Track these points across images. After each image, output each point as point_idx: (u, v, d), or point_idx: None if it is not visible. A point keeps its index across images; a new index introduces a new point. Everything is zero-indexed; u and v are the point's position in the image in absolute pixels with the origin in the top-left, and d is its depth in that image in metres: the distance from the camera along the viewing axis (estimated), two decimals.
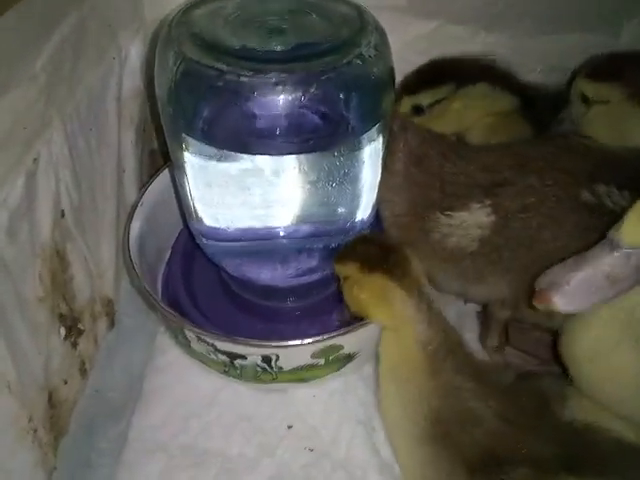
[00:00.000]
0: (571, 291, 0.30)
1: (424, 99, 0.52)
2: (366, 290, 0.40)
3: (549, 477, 0.34)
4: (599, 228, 0.31)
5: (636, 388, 0.34)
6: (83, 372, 0.47)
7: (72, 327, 0.44)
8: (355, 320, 0.42)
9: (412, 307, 0.38)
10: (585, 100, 0.48)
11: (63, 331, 0.43)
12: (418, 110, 0.53)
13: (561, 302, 0.30)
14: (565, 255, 0.32)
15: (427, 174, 0.46)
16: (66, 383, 0.44)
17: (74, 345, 0.45)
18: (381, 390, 0.43)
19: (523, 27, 0.57)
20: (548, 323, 0.44)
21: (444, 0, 0.55)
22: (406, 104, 0.53)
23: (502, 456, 0.34)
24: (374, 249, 0.41)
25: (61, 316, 0.43)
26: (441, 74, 0.53)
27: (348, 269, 0.41)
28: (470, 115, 0.54)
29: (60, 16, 0.42)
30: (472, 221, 0.42)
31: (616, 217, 0.30)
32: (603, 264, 0.29)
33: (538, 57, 0.59)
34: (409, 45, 0.58)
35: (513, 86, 0.54)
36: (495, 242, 0.42)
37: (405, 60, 0.57)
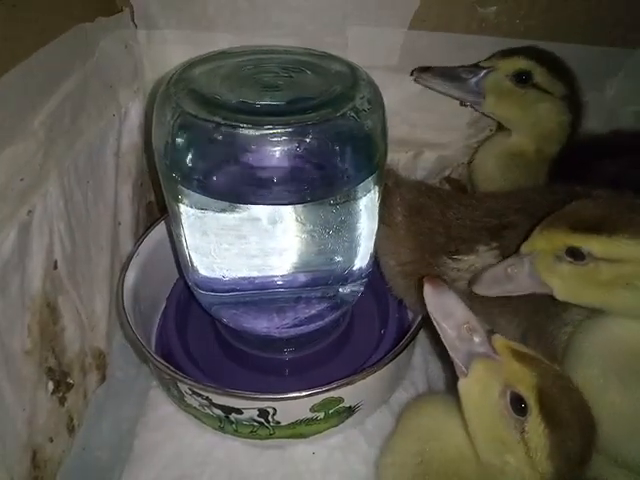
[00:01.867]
0: (484, 281, 0.38)
1: (540, 75, 0.51)
2: None
3: None
4: None
5: (629, 430, 0.34)
6: (71, 429, 0.45)
7: (61, 381, 0.43)
8: None
9: None
10: (524, 79, 0.51)
11: (51, 385, 0.42)
12: (524, 78, 0.51)
13: (477, 288, 0.39)
14: None
15: (430, 221, 0.46)
16: (52, 441, 0.42)
17: (62, 400, 0.44)
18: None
19: None
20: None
21: (433, 59, 0.57)
22: (517, 63, 0.51)
23: None
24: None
25: (49, 370, 0.42)
26: (566, 72, 0.52)
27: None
28: (543, 125, 0.53)
29: (64, 74, 0.44)
30: (480, 264, 0.42)
31: None
32: (506, 263, 0.37)
33: None
34: (403, 101, 0.60)
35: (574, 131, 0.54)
36: None
37: (399, 115, 0.60)
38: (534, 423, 0.31)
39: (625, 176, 0.49)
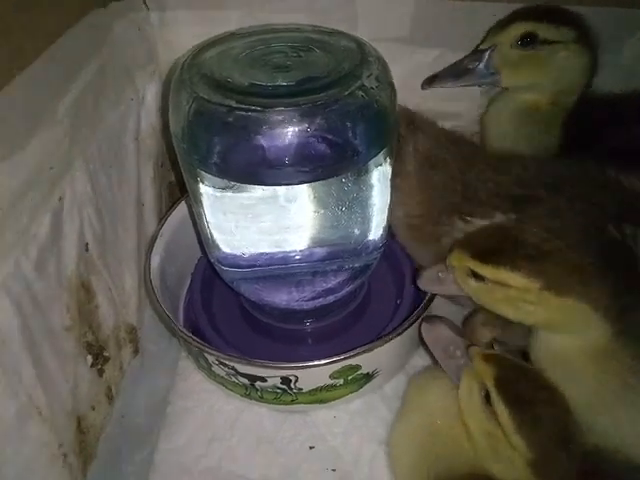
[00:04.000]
0: (423, 278, 0.43)
1: (544, 31, 0.49)
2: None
3: None
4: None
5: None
6: (110, 398, 0.49)
7: (98, 355, 0.46)
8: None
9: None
10: (527, 42, 0.50)
11: (90, 359, 0.45)
12: (527, 40, 0.50)
13: (419, 282, 0.44)
14: None
15: (445, 177, 0.45)
16: (94, 409, 0.46)
17: (100, 372, 0.47)
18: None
19: None
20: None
21: (445, 29, 0.57)
22: (516, 30, 0.50)
23: None
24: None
25: (88, 344, 0.45)
26: (569, 16, 0.51)
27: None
28: (565, 76, 0.52)
29: (82, 63, 0.45)
30: None
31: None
32: (437, 267, 0.42)
33: None
34: (413, 73, 0.59)
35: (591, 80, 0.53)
36: None
37: (409, 88, 0.59)
38: (497, 405, 0.37)
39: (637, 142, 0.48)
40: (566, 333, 0.38)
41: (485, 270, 0.38)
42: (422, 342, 0.44)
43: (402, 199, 0.47)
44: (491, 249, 0.38)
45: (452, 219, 0.44)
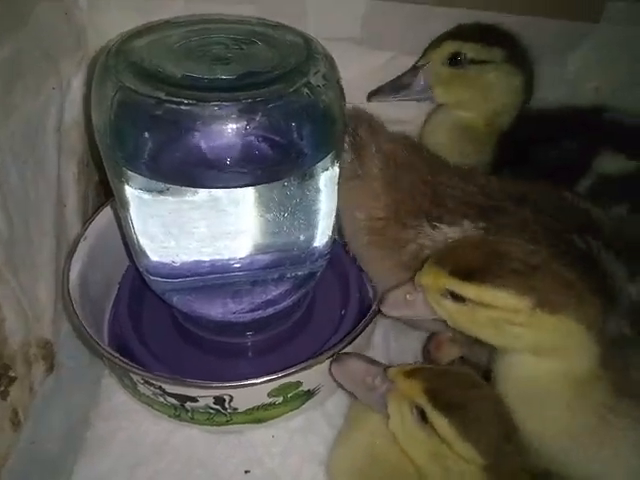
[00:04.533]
0: (388, 302, 0.39)
1: (470, 51, 0.50)
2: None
3: None
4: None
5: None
6: (16, 424, 0.43)
7: (2, 375, 0.41)
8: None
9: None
10: (455, 62, 0.51)
11: None
12: (455, 59, 0.50)
13: (383, 308, 0.40)
14: None
15: (414, 179, 0.44)
16: None
17: (4, 395, 0.41)
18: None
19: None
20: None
21: (396, 32, 0.56)
22: (445, 49, 0.51)
23: None
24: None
25: None
26: (502, 36, 0.51)
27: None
28: (496, 94, 0.52)
29: None
30: (458, 238, 0.41)
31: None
32: (404, 289, 0.38)
33: None
34: (364, 76, 0.58)
35: (528, 99, 0.53)
36: None
37: (361, 90, 0.58)
38: (435, 418, 0.34)
39: (566, 158, 0.49)
40: (551, 357, 0.35)
41: (466, 290, 0.34)
42: (338, 384, 0.41)
43: (364, 202, 0.45)
44: (473, 265, 0.34)
45: (420, 223, 0.42)
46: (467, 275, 0.34)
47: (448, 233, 0.41)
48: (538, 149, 0.52)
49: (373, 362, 0.39)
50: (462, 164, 0.48)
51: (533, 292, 0.32)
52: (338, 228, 0.50)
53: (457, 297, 0.35)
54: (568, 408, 0.34)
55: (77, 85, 0.52)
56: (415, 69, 0.54)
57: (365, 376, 0.38)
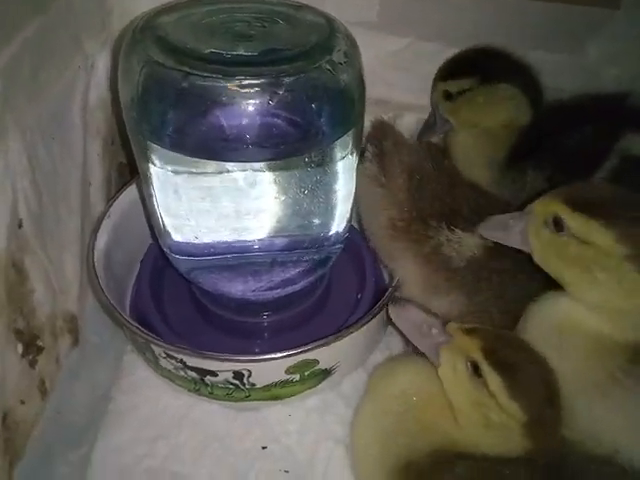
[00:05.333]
0: (489, 222, 0.41)
1: (451, 87, 0.53)
2: None
3: None
4: None
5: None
6: (43, 392, 0.44)
7: (30, 344, 0.42)
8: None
9: None
10: (449, 97, 0.53)
11: (20, 348, 0.41)
12: (448, 96, 0.53)
13: (480, 227, 0.42)
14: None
15: (438, 190, 0.47)
16: (23, 403, 0.41)
17: (32, 363, 0.42)
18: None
19: (493, 44, 0.57)
20: None
21: (414, 17, 0.55)
22: (439, 89, 0.54)
23: None
24: None
25: (18, 332, 0.40)
26: (469, 65, 0.53)
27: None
28: (491, 113, 0.53)
29: (22, 21, 0.41)
30: (471, 243, 0.45)
31: None
32: (511, 215, 0.40)
33: None
34: (381, 60, 0.58)
35: (535, 98, 0.53)
36: (480, 268, 0.45)
37: (377, 75, 0.58)
38: (488, 375, 0.36)
39: (588, 144, 0.49)
40: (607, 317, 0.36)
41: (574, 219, 0.35)
42: (392, 324, 0.43)
43: (387, 207, 0.48)
44: (589, 199, 0.35)
45: (440, 225, 0.46)
46: (579, 205, 0.35)
47: (462, 237, 0.45)
48: (559, 138, 0.51)
49: (431, 313, 0.41)
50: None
51: (633, 244, 0.33)
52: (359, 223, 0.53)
53: (559, 226, 0.35)
54: (585, 360, 0.36)
55: (102, 65, 0.52)
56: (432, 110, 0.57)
57: (422, 323, 0.40)
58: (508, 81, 0.52)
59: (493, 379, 0.35)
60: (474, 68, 0.52)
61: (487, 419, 0.36)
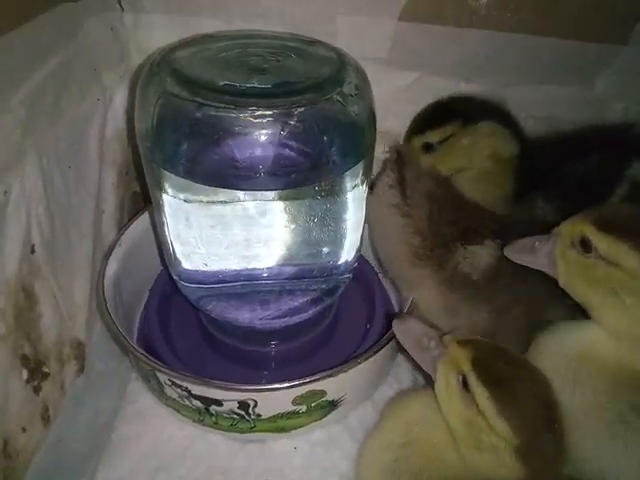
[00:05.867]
0: (515, 245, 0.41)
1: (432, 137, 0.53)
2: None
3: None
4: None
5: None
6: (46, 419, 0.44)
7: (36, 370, 0.42)
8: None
9: None
10: (429, 148, 0.54)
11: (25, 373, 0.41)
12: (428, 148, 0.54)
13: (506, 250, 0.41)
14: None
15: (451, 215, 0.48)
16: (25, 431, 0.41)
17: (37, 390, 0.42)
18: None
19: (502, 78, 0.58)
20: None
21: (424, 52, 0.57)
22: (416, 143, 0.54)
23: None
24: None
25: (24, 357, 0.40)
26: (447, 112, 0.54)
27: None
28: (477, 152, 0.54)
29: (47, 52, 0.43)
30: (484, 253, 0.46)
31: None
32: (537, 237, 0.39)
33: (517, 107, 0.61)
34: (391, 95, 0.59)
35: (516, 130, 0.54)
36: (496, 275, 0.45)
37: (388, 109, 0.58)
38: (476, 389, 0.33)
39: (594, 177, 0.49)
40: (626, 344, 0.35)
41: (601, 240, 0.34)
42: (398, 345, 0.42)
43: (409, 235, 0.48)
44: (616, 220, 0.35)
45: (455, 246, 0.47)
46: (607, 226, 0.34)
47: (475, 250, 0.46)
48: (566, 169, 0.52)
49: (432, 326, 0.39)
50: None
51: None
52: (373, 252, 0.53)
53: (586, 246, 0.35)
54: (602, 395, 0.35)
55: (120, 98, 0.54)
56: None
57: (421, 336, 0.38)
58: (488, 118, 0.53)
59: (480, 393, 0.33)
60: (454, 114, 0.53)
61: (478, 441, 0.34)
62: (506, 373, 0.34)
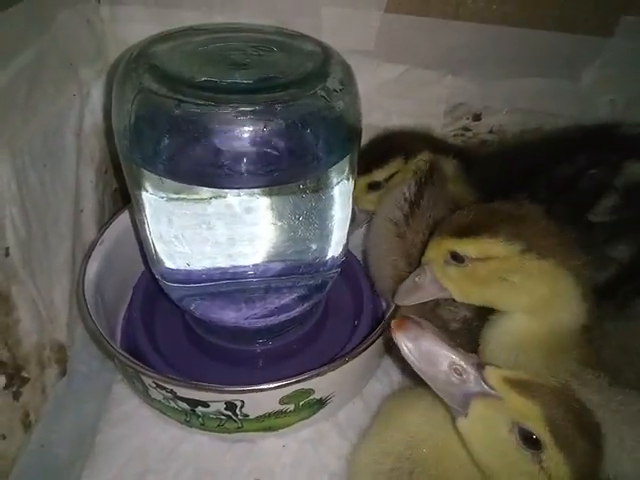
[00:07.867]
0: (400, 292, 0.42)
1: (379, 176, 0.53)
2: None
3: None
4: None
5: None
6: (27, 425, 0.43)
7: (14, 375, 0.41)
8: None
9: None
10: (374, 187, 0.54)
11: (3, 380, 0.39)
12: (375, 186, 0.54)
13: (396, 299, 0.44)
14: None
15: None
16: (4, 438, 0.40)
17: (16, 395, 0.41)
18: None
19: (488, 71, 0.58)
20: None
21: (410, 45, 0.56)
22: (361, 183, 0.53)
23: None
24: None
25: (1, 363, 0.39)
26: (389, 150, 0.54)
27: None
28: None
29: (17, 47, 0.41)
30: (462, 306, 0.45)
31: None
32: (414, 274, 0.42)
33: (503, 99, 0.61)
34: (378, 88, 0.59)
35: (451, 150, 0.55)
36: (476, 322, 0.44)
37: (374, 102, 0.58)
38: (551, 453, 0.30)
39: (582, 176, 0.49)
40: (543, 314, 0.37)
41: (465, 245, 0.37)
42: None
43: (399, 256, 0.48)
44: (467, 223, 0.38)
45: None
46: (463, 232, 0.37)
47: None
48: (552, 170, 0.52)
49: (455, 347, 0.32)
50: None
51: (520, 238, 0.35)
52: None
53: (459, 258, 0.38)
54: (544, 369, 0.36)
55: (97, 93, 0.53)
56: None
57: (449, 365, 0.31)
58: (425, 149, 0.53)
59: (557, 459, 0.29)
60: (396, 150, 0.54)
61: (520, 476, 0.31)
62: (582, 441, 0.30)
